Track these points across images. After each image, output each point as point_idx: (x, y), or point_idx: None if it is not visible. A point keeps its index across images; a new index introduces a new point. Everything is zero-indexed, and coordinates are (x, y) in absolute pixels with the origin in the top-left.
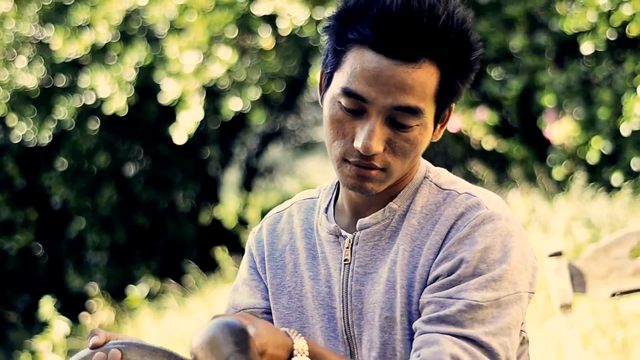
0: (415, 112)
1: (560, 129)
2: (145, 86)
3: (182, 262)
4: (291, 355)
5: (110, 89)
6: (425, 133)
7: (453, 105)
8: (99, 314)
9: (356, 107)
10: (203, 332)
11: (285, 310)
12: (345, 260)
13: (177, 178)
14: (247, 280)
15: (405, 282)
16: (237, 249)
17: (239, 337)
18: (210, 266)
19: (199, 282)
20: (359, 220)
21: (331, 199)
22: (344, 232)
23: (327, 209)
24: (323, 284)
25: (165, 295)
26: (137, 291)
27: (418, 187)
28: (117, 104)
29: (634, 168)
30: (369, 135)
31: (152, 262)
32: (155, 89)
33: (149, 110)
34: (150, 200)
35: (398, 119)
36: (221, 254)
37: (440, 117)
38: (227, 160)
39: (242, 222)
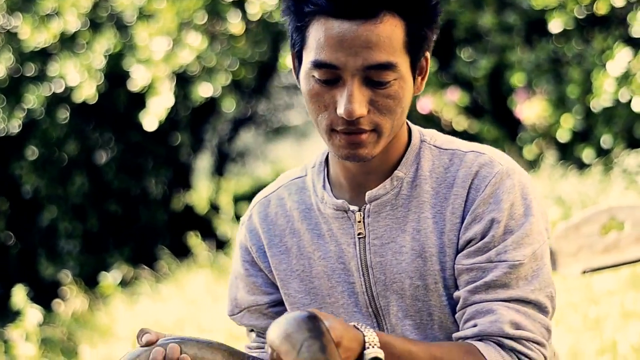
0: (388, 67)
1: (530, 108)
2: (115, 73)
3: (155, 249)
4: (363, 347)
5: (79, 77)
6: (405, 86)
7: (428, 55)
8: (72, 301)
9: (330, 76)
10: (277, 324)
11: (298, 295)
12: (359, 234)
13: (148, 165)
14: (243, 277)
15: (435, 250)
16: (209, 235)
17: (311, 324)
18: (183, 252)
19: (172, 268)
20: (368, 193)
21: (323, 176)
22: (351, 207)
23: (324, 186)
24: (335, 261)
25: (138, 282)
26: (110, 278)
27: (418, 152)
28: (87, 91)
29: (605, 145)
30: (349, 99)
31: (124, 248)
32: (125, 76)
33: (119, 98)
34: (122, 188)
35: (374, 78)
36: (194, 239)
37: (416, 68)
38: (198, 146)
39: (214, 208)
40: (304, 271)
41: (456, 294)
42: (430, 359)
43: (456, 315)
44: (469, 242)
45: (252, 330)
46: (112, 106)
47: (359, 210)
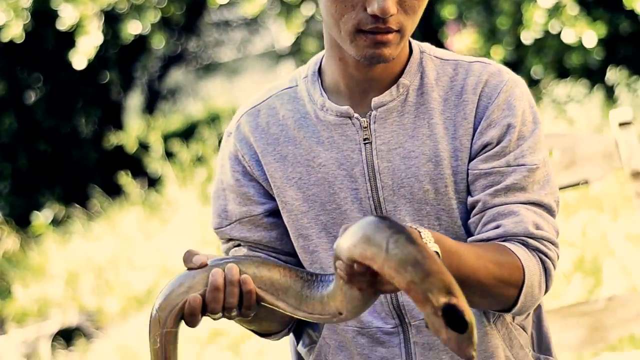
0: None
1: (461, 40)
2: (43, 12)
3: (86, 187)
4: None
5: (5, 16)
6: None
7: None
8: (4, 241)
9: None
10: (350, 233)
11: (295, 202)
12: (365, 139)
13: (78, 104)
14: (234, 188)
15: (447, 154)
16: (140, 173)
17: (387, 222)
18: (114, 190)
19: (104, 207)
20: (374, 99)
21: (319, 85)
22: (355, 114)
23: (321, 94)
24: (337, 167)
25: (70, 221)
26: (41, 217)
27: (420, 62)
28: (14, 31)
29: (535, 76)
30: None
31: (56, 188)
32: (53, 15)
33: (47, 37)
34: (52, 127)
35: None
36: (125, 178)
37: None
38: (128, 85)
39: (144, 146)
40: (301, 179)
41: (473, 198)
42: (474, 255)
43: (472, 219)
44: (484, 147)
45: (239, 245)
46: (41, 45)
47: (364, 117)
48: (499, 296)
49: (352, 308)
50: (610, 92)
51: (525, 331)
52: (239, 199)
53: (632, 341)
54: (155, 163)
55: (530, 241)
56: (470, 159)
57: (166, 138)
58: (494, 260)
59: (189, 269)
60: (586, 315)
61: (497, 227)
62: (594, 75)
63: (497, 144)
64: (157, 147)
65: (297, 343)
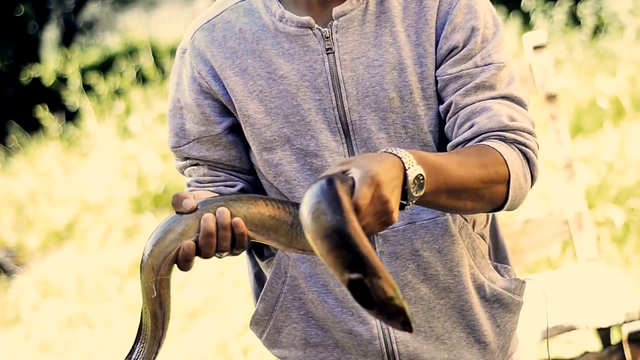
0: None
1: None
2: None
3: (4, 123)
4: (404, 170)
5: None
6: None
7: None
8: None
9: None
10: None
11: (258, 116)
12: (328, 49)
13: None
14: (192, 107)
15: (411, 61)
16: (58, 107)
17: (321, 187)
18: (32, 125)
19: (22, 142)
20: (335, 9)
21: None
22: (316, 25)
23: (279, 5)
24: (299, 79)
25: None
26: None
27: None
28: None
29: None
30: None
31: None
32: None
33: None
34: None
35: None
36: (43, 112)
37: None
38: (44, 18)
39: (62, 80)
40: (262, 91)
41: (446, 102)
42: (458, 164)
43: (447, 124)
44: (451, 51)
45: (197, 164)
46: None
47: (325, 27)
48: (490, 196)
49: None
50: (526, 19)
51: (484, 240)
52: (197, 118)
53: (548, 263)
54: (73, 97)
55: (507, 134)
56: (437, 65)
57: (84, 71)
58: (477, 164)
59: (177, 212)
60: (504, 238)
61: (472, 125)
62: (510, 1)
63: (463, 47)
64: (74, 80)
65: (255, 256)
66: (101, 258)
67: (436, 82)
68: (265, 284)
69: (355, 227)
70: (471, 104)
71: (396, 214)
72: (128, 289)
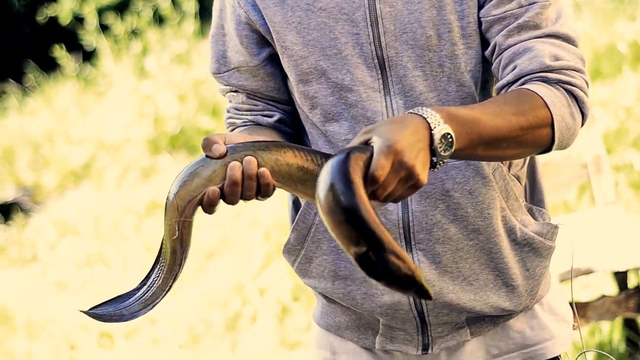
0: None
1: None
2: None
3: (21, 63)
4: (430, 130)
5: None
6: None
7: None
8: None
9: None
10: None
11: (295, 47)
12: None
13: None
14: (233, 36)
15: None
16: (75, 47)
17: (338, 162)
18: (49, 65)
19: (39, 81)
20: None
21: None
22: None
23: None
24: (338, 12)
25: (5, 96)
26: None
27: None
28: None
29: None
30: None
31: None
32: None
33: None
34: None
35: None
36: (59, 51)
37: None
38: None
39: (79, 19)
40: (300, 23)
41: (490, 46)
42: (492, 114)
43: (493, 66)
44: None
45: (236, 91)
46: None
47: None
48: (533, 141)
49: None
50: None
51: (519, 182)
52: (237, 47)
53: (565, 206)
54: (89, 36)
55: (550, 75)
56: (480, 5)
57: (100, 11)
58: (513, 111)
59: (207, 156)
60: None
61: (514, 68)
62: None
63: None
64: (91, 20)
65: None
66: (118, 198)
67: (480, 22)
68: (298, 214)
69: (362, 201)
70: (514, 45)
71: (424, 175)
72: (145, 228)
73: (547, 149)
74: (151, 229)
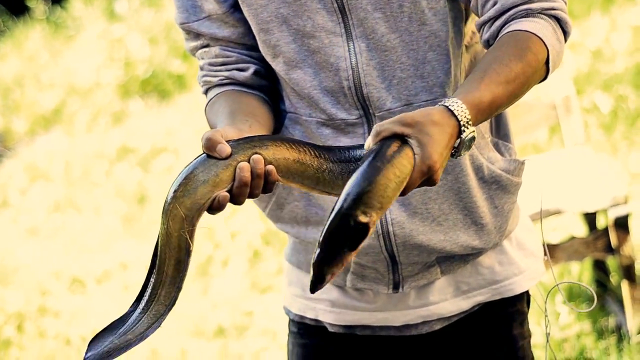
0: None
1: None
2: None
3: None
4: (459, 125)
5: None
6: None
7: None
8: None
9: None
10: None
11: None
12: None
13: None
14: None
15: None
16: None
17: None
18: (19, 8)
19: (8, 25)
20: None
21: None
22: None
23: None
24: None
25: None
26: None
27: None
28: None
29: None
30: None
31: None
32: None
33: None
34: None
35: None
36: None
37: None
38: None
39: None
40: None
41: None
42: (504, 82)
43: (472, 4)
44: None
45: (207, 45)
46: None
47: None
48: (536, 80)
49: None
50: None
51: None
52: None
53: (535, 147)
54: None
55: (533, 5)
56: None
57: None
58: (522, 66)
59: (209, 156)
60: None
61: (495, 3)
62: None
63: None
64: None
65: None
66: (89, 142)
67: None
68: None
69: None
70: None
71: (438, 176)
72: (115, 173)
73: (544, 79)
74: (122, 174)
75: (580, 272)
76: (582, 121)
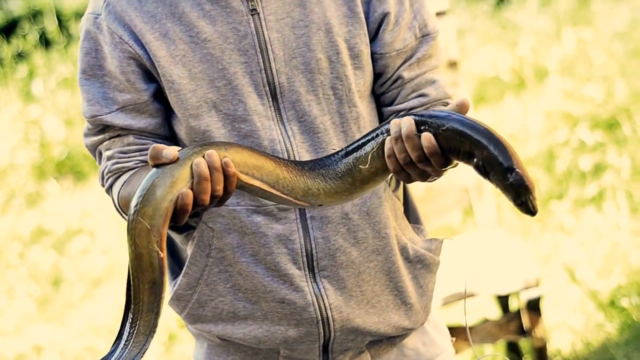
0: None
1: None
2: None
3: None
4: None
5: None
6: None
7: None
8: None
9: None
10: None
11: (182, 81)
12: (252, 10)
13: None
14: (116, 74)
15: (337, 20)
16: None
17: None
18: None
19: None
20: None
21: None
22: None
23: None
24: (223, 42)
25: None
26: None
27: None
28: None
29: None
30: None
31: None
32: None
33: None
34: None
35: None
36: None
37: None
38: None
39: None
40: (185, 56)
41: (388, 75)
42: None
43: (389, 93)
44: (384, 17)
45: (118, 136)
46: None
47: None
48: None
49: (334, 200)
50: None
51: (400, 201)
52: (122, 86)
53: (449, 230)
54: None
55: (449, 100)
56: (370, 28)
57: None
58: None
59: (157, 165)
60: None
61: (421, 95)
62: None
63: (395, 18)
64: None
65: (170, 231)
66: (2, 224)
67: (369, 44)
68: (188, 259)
69: None
70: (416, 78)
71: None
72: (30, 255)
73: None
74: (36, 256)
75: (494, 355)
76: (495, 204)
